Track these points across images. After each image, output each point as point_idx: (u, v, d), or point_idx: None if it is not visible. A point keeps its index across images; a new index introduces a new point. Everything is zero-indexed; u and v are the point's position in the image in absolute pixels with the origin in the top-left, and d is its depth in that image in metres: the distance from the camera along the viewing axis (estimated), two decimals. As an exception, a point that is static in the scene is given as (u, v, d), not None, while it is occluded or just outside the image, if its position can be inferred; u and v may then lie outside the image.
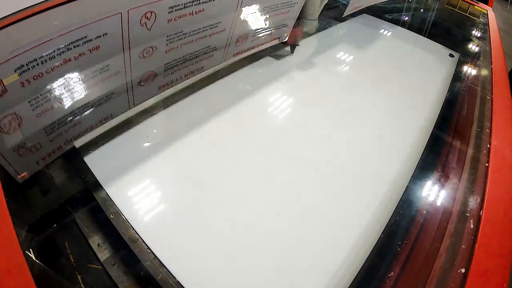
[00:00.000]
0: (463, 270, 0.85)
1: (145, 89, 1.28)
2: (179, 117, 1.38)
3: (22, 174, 1.05)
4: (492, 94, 1.59)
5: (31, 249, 0.93)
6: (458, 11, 2.93)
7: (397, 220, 1.12)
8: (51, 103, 1.01)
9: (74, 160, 1.19)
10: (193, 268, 0.94)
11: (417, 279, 0.96)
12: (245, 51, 1.67)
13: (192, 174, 1.18)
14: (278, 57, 1.91)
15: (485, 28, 2.58)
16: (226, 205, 1.10)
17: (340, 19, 2.45)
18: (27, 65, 0.87)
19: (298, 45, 1.98)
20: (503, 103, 1.50)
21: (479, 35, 2.55)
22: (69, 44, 0.93)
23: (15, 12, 0.81)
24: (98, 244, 1.02)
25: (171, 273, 0.92)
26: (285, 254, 1.00)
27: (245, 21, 1.51)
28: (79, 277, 0.95)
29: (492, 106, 1.49)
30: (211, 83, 1.60)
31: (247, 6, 1.43)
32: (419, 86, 1.86)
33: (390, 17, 2.67)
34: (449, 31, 2.68)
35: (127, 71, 1.17)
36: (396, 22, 2.61)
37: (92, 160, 1.17)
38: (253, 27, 1.60)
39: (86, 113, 1.13)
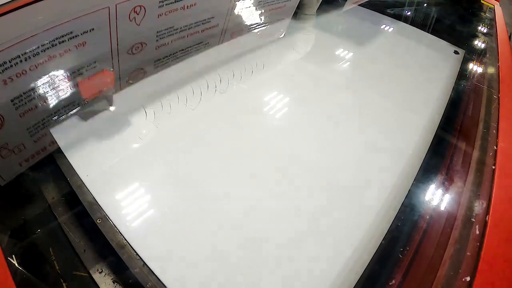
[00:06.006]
0: (468, 279, 0.85)
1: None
2: (171, 117, 1.38)
3: None
4: (499, 93, 1.60)
5: (13, 256, 0.93)
6: (464, 5, 2.93)
7: (399, 225, 1.12)
8: (35, 102, 1.01)
9: (59, 162, 1.19)
10: (185, 276, 0.94)
11: (420, 288, 0.97)
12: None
13: (184, 177, 1.19)
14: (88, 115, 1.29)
15: (491, 24, 2.59)
16: (220, 209, 1.10)
17: (340, 14, 2.45)
18: (9, 62, 0.87)
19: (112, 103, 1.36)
20: (511, 103, 1.50)
21: (485, 31, 2.55)
22: (54, 40, 0.94)
23: (-3, 6, 0.81)
24: (84, 250, 1.02)
25: (161, 281, 0.92)
26: (281, 261, 1.00)
27: (239, 16, 1.51)
28: (64, 285, 0.95)
29: (499, 105, 1.49)
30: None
31: (241, 0, 1.43)
32: (422, 85, 1.87)
33: (392, 11, 2.67)
34: (453, 26, 2.68)
35: (115, 68, 1.17)
36: (398, 17, 2.61)
37: (78, 163, 1.16)
38: (248, 23, 1.60)
39: (72, 112, 1.13)
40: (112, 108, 1.33)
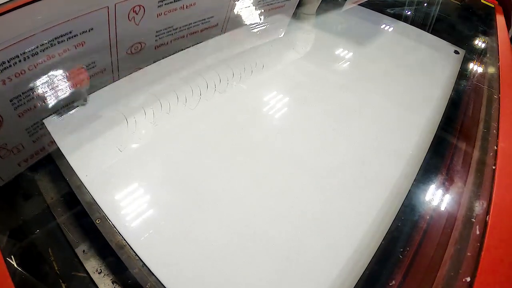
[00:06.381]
0: (468, 279, 0.85)
1: (133, 87, 1.28)
2: (170, 117, 1.38)
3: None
4: (499, 93, 1.60)
5: (12, 256, 0.93)
6: (464, 5, 2.93)
7: (399, 226, 1.12)
8: (34, 102, 1.01)
9: (58, 162, 1.19)
10: (185, 277, 0.94)
11: (420, 288, 0.97)
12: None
13: (183, 177, 1.18)
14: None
15: (492, 24, 2.59)
16: (220, 210, 1.10)
17: (340, 14, 2.45)
18: (8, 61, 0.87)
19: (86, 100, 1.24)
20: (511, 103, 1.50)
21: (485, 30, 2.55)
22: (53, 40, 0.94)
23: (-4, 6, 0.81)
24: (83, 251, 1.02)
25: (160, 282, 0.92)
26: (280, 262, 1.00)
27: (238, 16, 1.51)
28: (63, 286, 0.95)
29: (499, 105, 1.49)
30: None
31: (240, 0, 1.43)
32: (422, 85, 1.86)
33: (392, 11, 2.67)
34: (454, 26, 2.68)
35: (114, 68, 1.17)
36: (398, 16, 2.61)
37: (77, 162, 1.16)
38: (247, 22, 1.60)
39: (71, 112, 1.13)
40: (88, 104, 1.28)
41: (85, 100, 1.28)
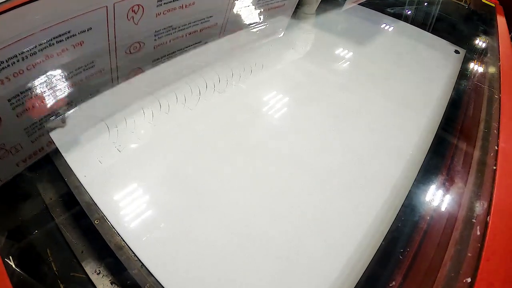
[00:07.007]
0: (469, 280, 0.85)
1: (132, 86, 1.27)
2: (169, 117, 1.38)
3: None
4: (500, 93, 1.59)
5: (10, 257, 0.93)
6: (464, 4, 2.93)
7: (399, 226, 1.12)
8: (32, 101, 1.01)
9: (56, 163, 1.18)
10: (184, 277, 0.94)
11: (420, 289, 0.97)
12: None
13: (183, 178, 1.18)
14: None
15: (492, 23, 2.59)
16: (219, 210, 1.10)
17: (340, 13, 2.45)
18: (6, 61, 0.87)
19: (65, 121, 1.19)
20: (512, 103, 1.50)
21: (486, 30, 2.55)
22: (51, 40, 0.94)
23: (-6, 6, 0.80)
24: (82, 251, 1.01)
25: (159, 283, 0.92)
26: (279, 263, 1.00)
27: (237, 15, 1.51)
28: (62, 286, 0.95)
29: (500, 105, 1.49)
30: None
31: (240, 0, 1.43)
32: (423, 84, 1.86)
33: (392, 11, 2.67)
34: (454, 26, 2.68)
35: (112, 68, 1.17)
36: (399, 16, 2.61)
37: (76, 163, 1.16)
38: (247, 22, 1.60)
39: (69, 112, 1.13)
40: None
41: (64, 121, 1.21)
